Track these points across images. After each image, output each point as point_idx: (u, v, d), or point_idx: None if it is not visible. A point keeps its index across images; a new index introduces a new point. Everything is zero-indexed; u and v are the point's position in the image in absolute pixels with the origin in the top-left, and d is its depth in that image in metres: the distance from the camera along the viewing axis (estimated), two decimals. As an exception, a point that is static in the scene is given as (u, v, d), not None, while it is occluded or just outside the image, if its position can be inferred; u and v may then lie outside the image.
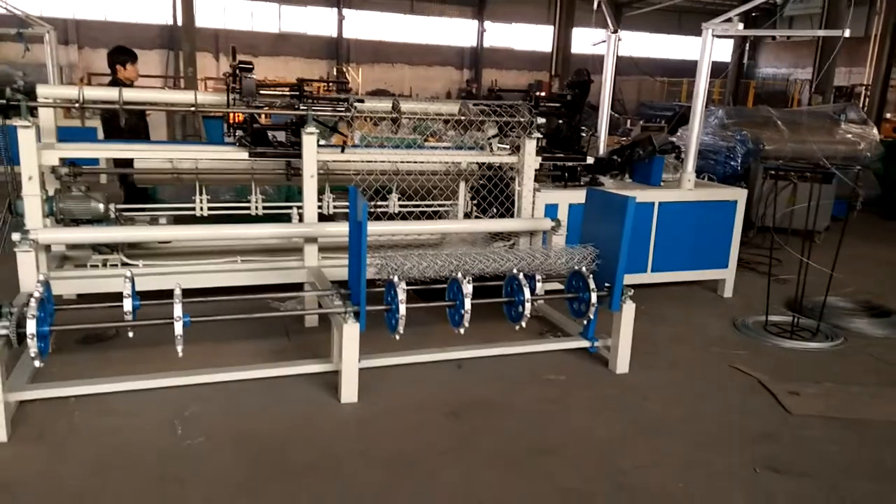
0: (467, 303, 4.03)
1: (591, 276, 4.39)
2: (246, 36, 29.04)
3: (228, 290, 4.70)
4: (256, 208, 5.59)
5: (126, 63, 6.43)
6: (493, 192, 5.70)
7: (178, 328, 3.49)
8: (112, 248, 4.83)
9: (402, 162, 5.61)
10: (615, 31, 6.66)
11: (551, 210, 5.57)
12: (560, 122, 5.99)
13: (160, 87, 23.82)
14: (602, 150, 6.95)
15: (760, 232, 8.85)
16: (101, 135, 11.20)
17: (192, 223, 5.42)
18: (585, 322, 4.66)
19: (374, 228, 5.01)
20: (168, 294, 4.63)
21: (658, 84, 32.94)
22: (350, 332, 3.87)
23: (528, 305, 4.19)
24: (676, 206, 6.04)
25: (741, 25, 5.55)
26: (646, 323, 5.53)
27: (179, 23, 27.84)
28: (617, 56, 6.93)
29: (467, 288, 4.05)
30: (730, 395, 4.38)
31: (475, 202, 6.11)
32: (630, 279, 5.92)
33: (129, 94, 4.57)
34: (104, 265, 4.72)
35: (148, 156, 4.94)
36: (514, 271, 4.29)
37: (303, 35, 30.04)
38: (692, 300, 6.28)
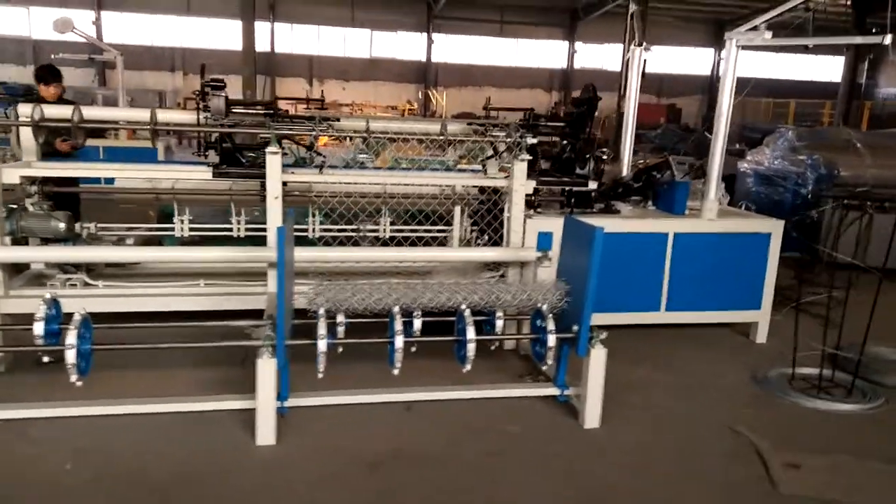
0: (398, 341, 3.64)
1: (550, 314, 3.88)
2: (338, 62, 29.94)
3: (207, 314, 4.55)
4: (238, 230, 5.46)
5: (41, 82, 6.14)
6: (489, 218, 5.28)
7: (71, 357, 3.30)
8: (77, 267, 4.78)
9: (390, 184, 5.32)
10: (640, 45, 6.07)
11: (545, 239, 5.06)
12: (564, 142, 5.50)
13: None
14: (626, 173, 6.35)
15: (831, 268, 7.86)
16: (161, 155, 11.73)
17: (180, 244, 5.39)
18: (544, 366, 4.12)
19: (310, 255, 4.69)
20: (126, 317, 4.59)
21: (763, 105, 31.19)
22: (265, 368, 3.56)
23: (471, 346, 3.74)
24: (695, 237, 5.36)
25: (769, 34, 4.86)
26: (646, 369, 4.94)
27: (275, 50, 29.18)
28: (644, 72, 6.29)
29: (398, 324, 3.66)
30: (713, 462, 3.73)
31: (476, 228, 5.70)
32: (640, 318, 5.39)
33: (89, 112, 4.52)
34: (63, 285, 4.66)
35: (109, 175, 4.87)
36: (463, 308, 3.85)
37: (393, 60, 30.59)
38: (715, 345, 5.54)
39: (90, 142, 11.63)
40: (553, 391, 4.24)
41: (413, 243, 5.64)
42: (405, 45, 30.51)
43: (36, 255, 4.49)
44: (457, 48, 30.85)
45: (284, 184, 4.81)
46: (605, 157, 6.21)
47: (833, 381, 4.81)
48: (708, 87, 34.63)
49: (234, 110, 4.84)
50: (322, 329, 3.56)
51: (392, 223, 5.68)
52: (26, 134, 4.93)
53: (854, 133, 9.19)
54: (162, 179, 5.10)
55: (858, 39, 4.55)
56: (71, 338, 3.31)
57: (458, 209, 5.52)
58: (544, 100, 32.17)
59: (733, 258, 5.43)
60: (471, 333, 3.72)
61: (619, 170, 6.36)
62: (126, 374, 4.34)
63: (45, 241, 4.78)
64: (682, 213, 5.64)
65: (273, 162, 4.56)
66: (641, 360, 5.09)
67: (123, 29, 28.26)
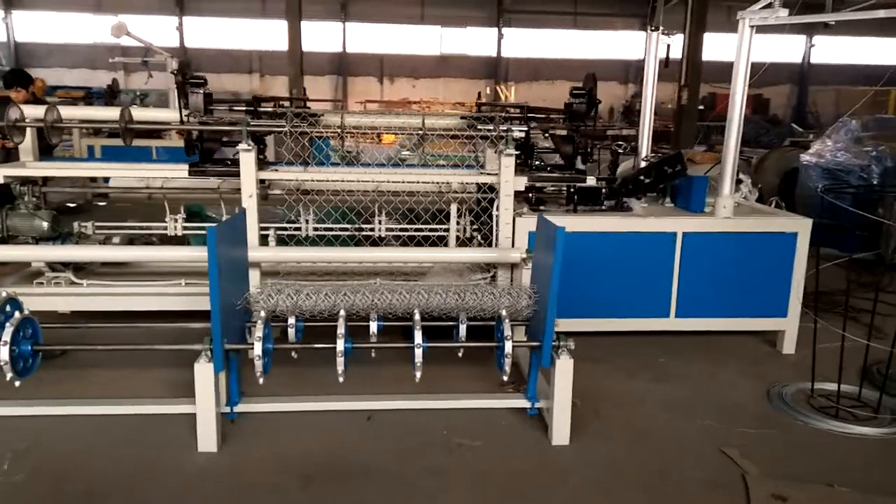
0: (340, 344, 3.44)
1: (508, 320, 3.58)
2: (408, 59, 30.03)
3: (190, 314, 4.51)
4: (231, 229, 5.39)
5: (10, 87, 6.19)
6: (485, 217, 5.01)
7: (4, 354, 3.27)
8: (66, 265, 4.85)
9: (381, 182, 5.12)
10: (656, 29, 5.61)
11: (534, 238, 4.73)
12: (562, 136, 5.15)
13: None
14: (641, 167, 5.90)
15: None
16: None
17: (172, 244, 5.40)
18: (504, 377, 3.79)
19: (266, 255, 4.51)
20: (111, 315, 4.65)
21: (860, 93, 29.10)
22: (202, 373, 3.44)
23: (419, 352, 3.49)
24: (708, 237, 4.88)
25: (784, 12, 4.34)
26: (645, 381, 4.55)
27: (346, 49, 29.63)
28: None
29: (341, 328, 3.46)
30: (689, 489, 3.33)
31: (475, 227, 5.43)
32: (647, 325, 5.02)
33: (66, 112, 4.56)
34: (48, 283, 4.73)
35: (74, 174, 4.91)
36: (415, 312, 3.61)
37: (463, 56, 30.40)
38: (733, 355, 5.03)
39: (143, 142, 12.02)
40: (523, 403, 3.92)
41: (419, 243, 5.42)
42: (475, 40, 30.24)
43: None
44: (528, 42, 30.31)
45: (263, 182, 4.73)
46: (620, 150, 5.82)
47: (860, 400, 4.27)
48: (799, 75, 32.68)
49: (215, 108, 4.79)
50: (258, 332, 3.40)
51: (398, 222, 5.50)
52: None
53: (930, 120, 8.28)
54: (144, 178, 5.09)
55: (881, 13, 3.97)
56: (6, 336, 3.28)
57: (454, 207, 5.28)
58: (619, 93, 31.20)
59: (753, 260, 4.92)
60: (417, 338, 3.48)
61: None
62: (94, 373, 4.35)
63: (38, 241, 4.87)
64: (701, 211, 5.16)
65: (247, 160, 4.46)
66: (642, 370, 4.69)
67: (203, 33, 29.38)
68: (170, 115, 4.85)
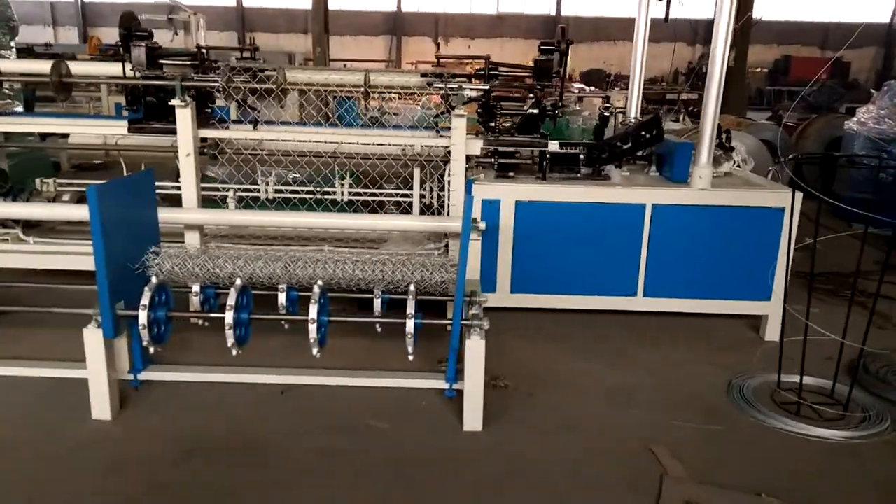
0: (229, 316, 3.25)
1: (412, 296, 3.30)
2: (464, 19, 29.37)
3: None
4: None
5: None
6: (429, 183, 4.72)
7: None
8: (16, 222, 4.82)
9: (332, 143, 4.87)
10: (648, -22, 5.08)
11: (490, 208, 4.40)
12: (530, 95, 4.74)
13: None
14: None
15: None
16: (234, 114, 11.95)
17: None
18: (410, 358, 3.51)
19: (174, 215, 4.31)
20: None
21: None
22: (91, 339, 3.31)
23: (313, 328, 3.26)
24: (680, 210, 4.43)
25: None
26: (599, 365, 4.22)
27: (401, 8, 29.20)
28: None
29: (232, 298, 3.26)
30: (597, 489, 3.00)
31: (441, 192, 5.13)
32: (612, 304, 4.65)
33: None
34: (-4, 240, 4.72)
35: (18, 129, 4.82)
36: (318, 284, 3.37)
37: (520, 15, 29.50)
38: (709, 340, 4.59)
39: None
40: (442, 384, 3.65)
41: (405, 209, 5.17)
42: (533, -2, 29.32)
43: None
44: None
45: (204, 140, 4.55)
46: (607, 113, 5.37)
47: (832, 397, 3.81)
48: (885, 37, 30.26)
49: (162, 62, 4.61)
50: (144, 299, 3.23)
51: (365, 186, 5.26)
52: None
53: None
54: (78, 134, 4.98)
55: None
56: None
57: (417, 171, 4.99)
58: (686, 54, 29.66)
59: (733, 237, 4.45)
60: (312, 312, 3.24)
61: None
62: (36, 333, 4.31)
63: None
64: (684, 181, 4.69)
65: (182, 116, 4.28)
66: (600, 352, 4.33)
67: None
68: (113, 69, 4.70)
